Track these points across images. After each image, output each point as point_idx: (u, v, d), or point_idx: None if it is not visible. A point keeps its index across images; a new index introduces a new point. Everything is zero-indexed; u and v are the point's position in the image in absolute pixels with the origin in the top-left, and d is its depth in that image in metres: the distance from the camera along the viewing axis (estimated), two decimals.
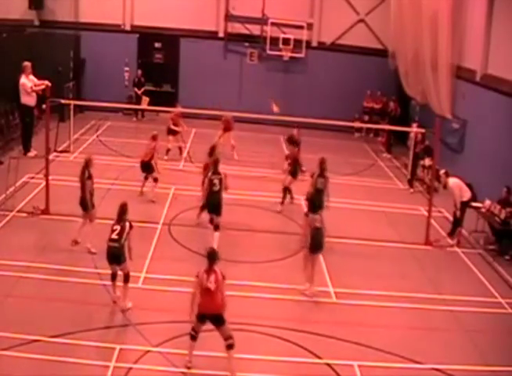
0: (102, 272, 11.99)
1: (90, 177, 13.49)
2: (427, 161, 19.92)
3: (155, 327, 10.64)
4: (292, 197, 17.07)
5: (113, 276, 11.10)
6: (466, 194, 15.46)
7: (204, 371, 9.51)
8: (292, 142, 17.56)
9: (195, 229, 14.81)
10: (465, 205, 15.49)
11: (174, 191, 17.41)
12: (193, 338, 9.59)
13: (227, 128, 20.71)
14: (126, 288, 11.06)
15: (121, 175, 18.17)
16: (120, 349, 9.78)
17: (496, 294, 13.02)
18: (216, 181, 13.66)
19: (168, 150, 20.17)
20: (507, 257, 14.79)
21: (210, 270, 9.50)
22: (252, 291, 12.13)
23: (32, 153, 18.97)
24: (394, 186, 20.37)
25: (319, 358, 10.13)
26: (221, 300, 9.45)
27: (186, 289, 11.98)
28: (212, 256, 9.62)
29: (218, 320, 9.47)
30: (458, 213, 15.43)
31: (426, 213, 15.84)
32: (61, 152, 18.14)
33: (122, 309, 10.97)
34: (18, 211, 14.91)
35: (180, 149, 20.77)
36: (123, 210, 11.22)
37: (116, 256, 10.89)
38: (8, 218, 14.54)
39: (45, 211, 14.93)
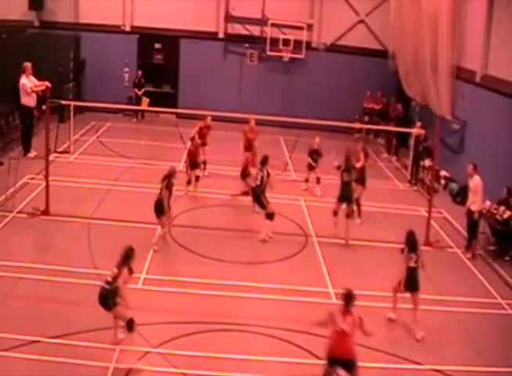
0: (102, 273, 11.99)
1: (169, 186, 13.58)
2: (427, 162, 19.93)
3: (155, 327, 10.63)
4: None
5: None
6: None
7: (204, 371, 9.51)
8: (364, 152, 16.86)
9: (195, 230, 14.82)
10: (480, 214, 14.95)
11: (175, 191, 17.37)
12: None
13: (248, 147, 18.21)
14: (130, 337, 10.00)
15: (121, 176, 18.17)
16: (121, 350, 9.78)
17: (496, 295, 13.01)
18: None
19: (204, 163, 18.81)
20: (507, 258, 14.79)
21: (346, 312, 8.86)
22: (251, 292, 12.12)
23: (32, 154, 18.97)
24: (394, 186, 20.37)
25: (319, 358, 10.11)
26: (353, 344, 8.80)
27: (186, 290, 12.04)
28: (350, 298, 8.93)
29: (350, 366, 8.75)
30: (477, 215, 14.71)
31: (426, 214, 15.83)
32: (61, 153, 18.15)
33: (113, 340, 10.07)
34: (18, 212, 14.90)
35: (204, 164, 18.79)
36: (126, 254, 10.09)
37: (103, 299, 9.84)
38: (8, 218, 14.54)
39: (45, 212, 14.93)
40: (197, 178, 17.48)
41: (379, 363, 10.15)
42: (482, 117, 18.75)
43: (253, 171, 15.85)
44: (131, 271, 10.05)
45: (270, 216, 14.62)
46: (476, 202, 14.68)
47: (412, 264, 11.22)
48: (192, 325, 10.72)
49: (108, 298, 9.76)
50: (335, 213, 15.10)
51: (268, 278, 12.84)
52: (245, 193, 16.32)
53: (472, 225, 14.96)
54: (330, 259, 14.06)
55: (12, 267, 12.07)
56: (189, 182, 17.23)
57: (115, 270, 9.90)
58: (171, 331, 10.46)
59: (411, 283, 11.28)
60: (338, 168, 15.01)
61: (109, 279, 9.88)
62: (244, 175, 16.47)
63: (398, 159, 23.33)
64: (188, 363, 9.64)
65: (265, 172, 14.74)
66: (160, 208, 13.51)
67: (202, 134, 18.62)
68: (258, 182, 14.69)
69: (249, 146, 17.83)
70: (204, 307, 11.48)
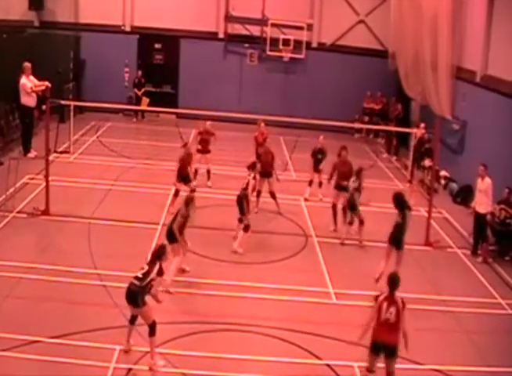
0: (102, 273, 12.00)
1: (184, 215, 12.24)
2: (427, 162, 19.93)
3: None
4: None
5: (132, 320, 9.89)
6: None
7: (204, 371, 9.50)
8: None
9: (195, 229, 14.80)
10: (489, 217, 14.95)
11: (174, 192, 17.38)
12: (371, 371, 9.04)
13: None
14: (152, 342, 9.57)
15: (121, 176, 18.16)
16: (120, 350, 9.77)
17: (496, 295, 13.01)
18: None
19: (196, 172, 17.94)
20: (507, 258, 14.79)
21: (391, 299, 8.80)
22: (252, 292, 12.12)
23: (32, 154, 18.98)
24: (394, 186, 20.34)
25: (319, 359, 10.13)
26: (399, 331, 8.77)
27: (186, 290, 12.03)
28: (395, 282, 8.91)
29: (392, 353, 8.87)
30: (488, 218, 14.70)
31: (426, 214, 15.83)
32: (61, 153, 18.13)
33: (151, 367, 9.52)
34: (18, 212, 14.90)
35: (208, 172, 18.18)
36: (157, 252, 9.87)
37: (133, 296, 9.60)
38: (8, 218, 14.54)
39: (45, 212, 14.93)
40: (177, 192, 15.82)
41: (379, 362, 10.13)
42: (482, 117, 18.74)
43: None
44: (160, 271, 9.78)
45: (246, 228, 13.85)
46: (485, 203, 14.61)
47: (398, 219, 12.37)
48: (193, 325, 10.73)
49: (138, 295, 9.48)
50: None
51: (268, 278, 12.83)
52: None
53: (480, 228, 14.86)
54: (330, 259, 14.07)
55: (12, 267, 12.06)
56: (175, 195, 15.92)
57: (145, 267, 9.65)
58: (171, 331, 10.46)
59: (394, 238, 12.44)
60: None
61: (140, 275, 9.57)
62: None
63: (398, 159, 23.32)
64: (188, 363, 9.64)
65: (252, 176, 14.52)
66: (171, 235, 12.12)
67: (203, 140, 18.05)
68: (244, 186, 14.16)
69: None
70: (204, 307, 11.48)
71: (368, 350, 9.07)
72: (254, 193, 16.10)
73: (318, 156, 17.84)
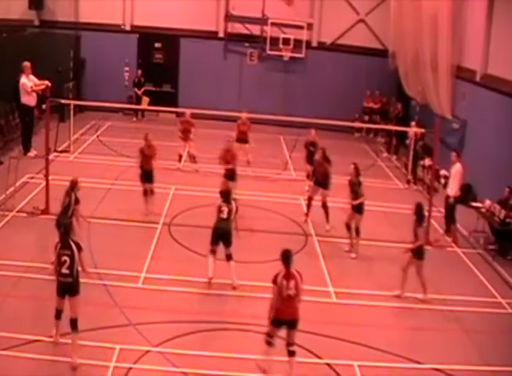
0: (102, 272, 12.00)
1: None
2: (427, 161, 19.92)
3: (155, 327, 10.64)
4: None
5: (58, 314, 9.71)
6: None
7: (205, 370, 9.51)
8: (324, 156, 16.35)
9: (195, 229, 14.81)
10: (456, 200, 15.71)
11: (174, 191, 17.42)
12: (270, 344, 9.39)
13: (241, 138, 19.42)
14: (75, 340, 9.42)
15: (121, 175, 18.16)
16: (120, 349, 9.77)
17: (496, 294, 13.01)
18: (224, 209, 12.32)
19: (181, 157, 19.74)
20: (509, 257, 14.79)
21: (289, 275, 9.18)
22: (252, 291, 12.12)
23: (32, 153, 18.97)
24: (394, 185, 20.38)
25: (319, 358, 10.13)
26: (298, 303, 9.25)
27: (186, 289, 12.04)
28: (288, 258, 9.27)
29: (293, 325, 9.30)
30: (452, 201, 15.53)
31: (426, 213, 15.82)
32: (61, 152, 18.14)
33: (72, 364, 9.29)
34: (18, 211, 14.91)
35: (194, 157, 19.67)
36: (66, 230, 9.70)
37: (70, 289, 9.47)
38: (8, 218, 14.54)
39: (45, 211, 14.92)
40: (146, 192, 15.58)
41: (379, 362, 10.15)
42: (482, 116, 18.74)
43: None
44: (78, 246, 9.51)
45: (229, 257, 12.31)
46: (453, 188, 15.55)
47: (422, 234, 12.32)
48: (193, 324, 10.73)
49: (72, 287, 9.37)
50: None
51: (268, 277, 12.70)
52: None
53: (448, 210, 15.72)
54: (330, 258, 14.06)
55: (12, 266, 12.07)
56: (145, 193, 15.61)
57: (66, 258, 9.33)
58: (172, 330, 10.47)
59: (423, 251, 12.28)
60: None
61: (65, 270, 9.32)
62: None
63: (398, 158, 23.33)
64: (188, 362, 9.64)
65: (234, 206, 12.52)
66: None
67: (184, 129, 19.54)
68: (225, 216, 12.29)
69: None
70: (204, 306, 11.49)
71: (269, 323, 9.36)
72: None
73: (310, 148, 18.23)
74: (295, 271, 9.27)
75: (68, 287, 9.43)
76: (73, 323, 9.42)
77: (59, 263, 9.39)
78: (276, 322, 9.30)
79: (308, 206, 16.16)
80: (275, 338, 9.43)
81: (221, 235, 12.14)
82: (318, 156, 16.38)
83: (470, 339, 11.21)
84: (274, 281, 9.24)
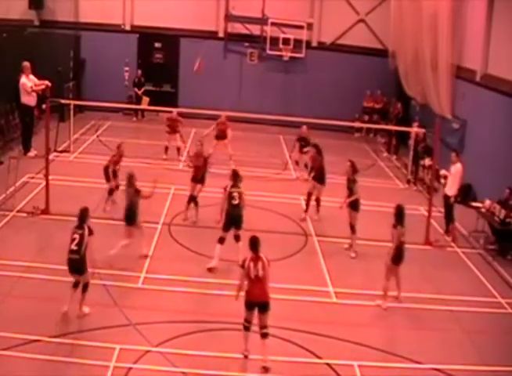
0: (102, 272, 11.99)
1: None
2: (427, 161, 19.92)
3: (155, 327, 10.64)
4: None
5: (75, 284, 10.74)
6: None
7: (204, 370, 9.51)
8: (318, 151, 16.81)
9: (195, 228, 14.82)
10: (455, 200, 15.77)
11: (174, 191, 17.42)
12: (247, 328, 9.72)
13: (220, 135, 20.02)
14: (83, 297, 10.76)
15: (121, 175, 18.12)
16: (120, 349, 9.77)
17: (496, 294, 13.01)
18: (235, 194, 12.93)
19: (167, 148, 20.35)
20: (509, 257, 14.78)
21: (256, 258, 9.62)
22: None
23: (32, 153, 18.98)
24: (395, 185, 20.38)
25: (319, 358, 10.13)
26: (268, 287, 9.57)
27: (186, 289, 12.05)
28: (255, 244, 9.72)
29: (265, 307, 9.58)
30: (452, 200, 15.52)
31: (426, 213, 15.84)
32: (61, 152, 18.17)
33: (79, 315, 10.68)
34: (18, 211, 14.91)
35: (178, 149, 20.59)
36: (81, 215, 10.78)
37: (76, 267, 10.53)
38: (8, 218, 14.54)
39: (45, 211, 14.93)
40: (111, 191, 15.59)
41: (379, 362, 10.16)
42: (482, 116, 18.74)
43: None
44: (91, 231, 10.65)
45: (238, 238, 12.97)
46: (453, 188, 15.62)
47: (403, 238, 11.90)
48: (193, 324, 10.73)
49: (80, 264, 10.46)
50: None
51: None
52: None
53: (447, 209, 15.81)
54: (330, 258, 14.07)
55: (12, 266, 12.07)
56: (110, 193, 15.63)
57: (76, 237, 10.51)
58: (171, 330, 10.47)
59: (403, 256, 11.97)
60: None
61: (74, 247, 10.45)
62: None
63: (398, 158, 23.33)
64: (188, 362, 9.65)
65: (242, 189, 13.24)
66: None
67: (169, 126, 20.31)
68: (237, 202, 12.92)
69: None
70: (204, 306, 11.50)
71: (244, 307, 9.72)
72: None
73: (302, 142, 19.48)
74: (263, 256, 9.69)
75: (74, 264, 10.45)
76: (84, 287, 10.65)
77: (71, 240, 10.46)
78: (248, 305, 9.65)
79: (308, 202, 16.33)
80: (251, 323, 9.73)
81: (235, 221, 12.94)
82: (312, 152, 16.88)
83: (469, 339, 11.21)
84: (242, 265, 9.66)
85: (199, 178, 15.75)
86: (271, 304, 9.82)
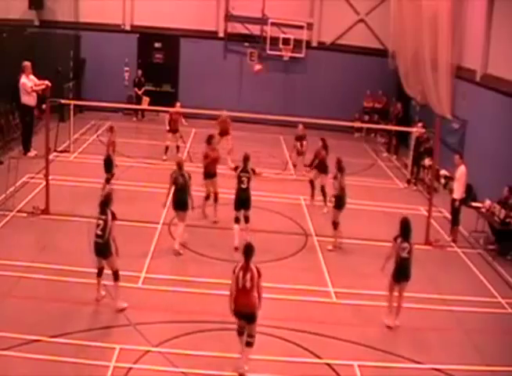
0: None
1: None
2: (427, 161, 19.92)
3: (155, 327, 10.64)
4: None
5: (99, 272, 11.14)
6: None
7: (205, 370, 9.51)
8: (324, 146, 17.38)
9: (195, 228, 14.81)
10: (461, 202, 15.66)
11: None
12: (240, 333, 9.66)
13: (223, 132, 20.14)
14: (116, 286, 11.04)
15: (121, 175, 18.13)
16: (121, 349, 9.77)
17: (496, 294, 13.01)
18: (244, 179, 13.89)
19: (167, 148, 20.24)
20: (509, 257, 14.78)
21: (246, 267, 9.40)
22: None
23: (32, 153, 18.99)
24: (394, 185, 20.38)
25: (319, 358, 10.13)
26: (255, 298, 9.35)
27: (186, 289, 12.05)
28: (249, 251, 9.54)
29: (251, 319, 9.45)
30: (457, 203, 15.43)
31: (426, 213, 15.83)
32: (61, 152, 18.16)
33: (117, 308, 10.93)
34: (18, 211, 14.91)
35: (178, 148, 20.50)
36: (105, 200, 11.12)
37: (101, 251, 10.94)
38: (8, 218, 14.54)
39: (45, 211, 14.93)
40: (108, 180, 16.14)
41: (379, 362, 10.16)
42: (482, 116, 18.74)
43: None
44: (114, 216, 10.93)
45: (247, 219, 14.13)
46: (458, 191, 15.51)
47: (404, 254, 11.11)
48: (193, 324, 10.73)
49: (105, 248, 10.85)
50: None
51: (268, 277, 12.68)
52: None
53: (454, 212, 15.68)
54: (330, 258, 14.07)
55: (12, 266, 12.07)
56: (107, 181, 16.13)
57: (100, 222, 10.86)
58: (172, 330, 10.47)
59: (402, 273, 11.16)
60: (335, 176, 14.72)
61: (99, 232, 10.83)
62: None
63: (398, 158, 23.33)
64: (188, 363, 9.64)
65: (250, 172, 14.03)
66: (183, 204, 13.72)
67: (172, 120, 20.09)
68: (245, 186, 13.94)
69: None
70: (204, 306, 11.48)
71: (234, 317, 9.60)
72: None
73: (299, 141, 20.07)
74: (254, 266, 9.45)
75: (100, 248, 10.85)
76: (115, 275, 10.95)
77: (96, 226, 10.88)
78: (235, 314, 9.54)
79: (312, 188, 17.20)
80: (244, 328, 9.60)
81: (243, 203, 13.90)
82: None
83: (470, 339, 11.21)
84: (233, 271, 9.51)
85: (213, 172, 15.82)
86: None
